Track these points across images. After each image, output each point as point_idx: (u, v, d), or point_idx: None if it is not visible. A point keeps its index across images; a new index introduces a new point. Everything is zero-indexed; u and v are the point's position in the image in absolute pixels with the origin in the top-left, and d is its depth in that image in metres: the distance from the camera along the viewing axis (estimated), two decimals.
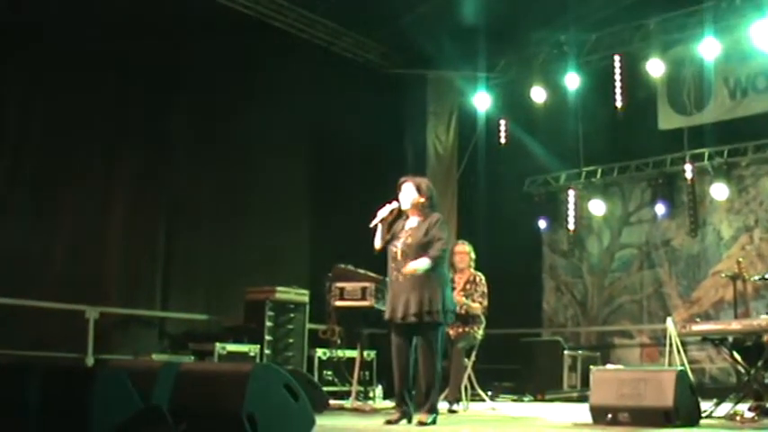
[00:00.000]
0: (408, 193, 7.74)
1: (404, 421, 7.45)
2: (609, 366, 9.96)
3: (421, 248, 7.52)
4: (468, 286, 9.96)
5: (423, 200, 7.73)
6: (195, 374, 5.83)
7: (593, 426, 7.24)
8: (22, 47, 10.34)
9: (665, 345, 11.70)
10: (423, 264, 7.40)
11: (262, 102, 12.86)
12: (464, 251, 10.10)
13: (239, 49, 12.51)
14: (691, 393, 7.38)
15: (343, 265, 10.05)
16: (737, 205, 13.60)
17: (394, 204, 7.75)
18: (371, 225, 7.73)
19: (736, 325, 8.01)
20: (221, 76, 12.38)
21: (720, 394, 8.64)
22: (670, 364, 10.90)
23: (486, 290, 10.03)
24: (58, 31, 10.61)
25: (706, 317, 12.95)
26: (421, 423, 7.26)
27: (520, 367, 13.72)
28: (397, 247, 7.62)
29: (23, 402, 5.18)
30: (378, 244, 7.74)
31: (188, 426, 5.31)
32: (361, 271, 9.86)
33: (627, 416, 7.10)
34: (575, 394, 12.49)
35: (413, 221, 7.73)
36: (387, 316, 7.66)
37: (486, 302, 9.97)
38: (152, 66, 11.71)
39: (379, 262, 8.39)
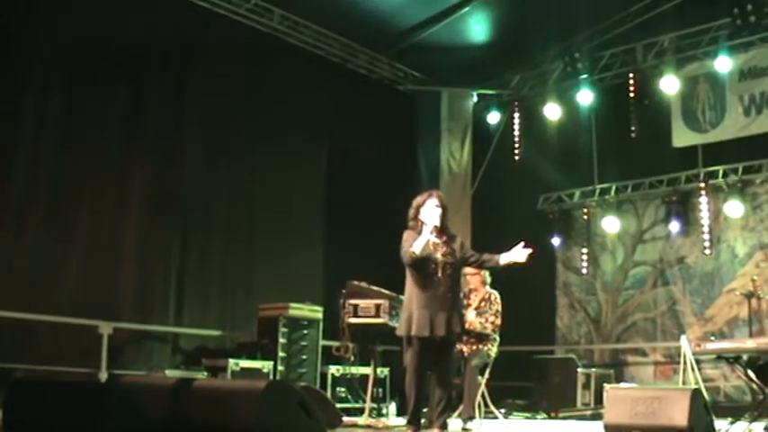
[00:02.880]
0: (436, 210, 7.67)
1: None
2: (623, 384, 9.92)
3: (459, 266, 7.74)
4: (482, 304, 9.93)
5: (444, 216, 7.74)
6: (208, 391, 5.83)
7: None
8: (33, 56, 10.44)
9: (678, 362, 11.65)
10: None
11: (276, 118, 12.92)
12: (476, 270, 10.04)
13: (254, 65, 12.57)
14: (706, 412, 7.35)
15: (356, 282, 10.03)
16: (752, 222, 13.54)
17: (436, 220, 7.67)
18: (429, 229, 7.53)
19: (750, 343, 8.00)
20: (235, 93, 12.44)
21: (735, 413, 8.61)
22: (684, 383, 10.86)
23: (500, 308, 9.98)
24: (71, 41, 10.71)
25: (720, 335, 12.91)
26: None
27: (533, 385, 13.67)
28: (438, 264, 7.57)
29: (36, 417, 5.20)
30: (419, 251, 7.46)
31: None
32: (375, 288, 9.85)
33: None
34: (588, 412, 12.44)
35: (435, 238, 7.65)
36: (418, 331, 7.46)
37: (498, 321, 9.92)
38: (165, 83, 11.80)
39: (392, 279, 8.38)
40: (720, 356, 8.41)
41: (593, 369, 13.64)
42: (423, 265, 7.56)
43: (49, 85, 10.63)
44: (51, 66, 10.64)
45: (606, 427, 7.37)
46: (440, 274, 7.53)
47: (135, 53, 11.38)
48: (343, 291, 9.98)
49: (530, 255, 7.82)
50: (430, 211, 7.66)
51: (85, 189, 10.88)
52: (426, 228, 7.55)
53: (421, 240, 7.50)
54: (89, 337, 10.44)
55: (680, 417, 6.96)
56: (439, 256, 7.57)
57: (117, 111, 11.33)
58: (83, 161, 10.84)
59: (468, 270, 9.47)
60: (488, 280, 10.14)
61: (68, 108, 10.74)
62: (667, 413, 7.03)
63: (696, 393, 7.27)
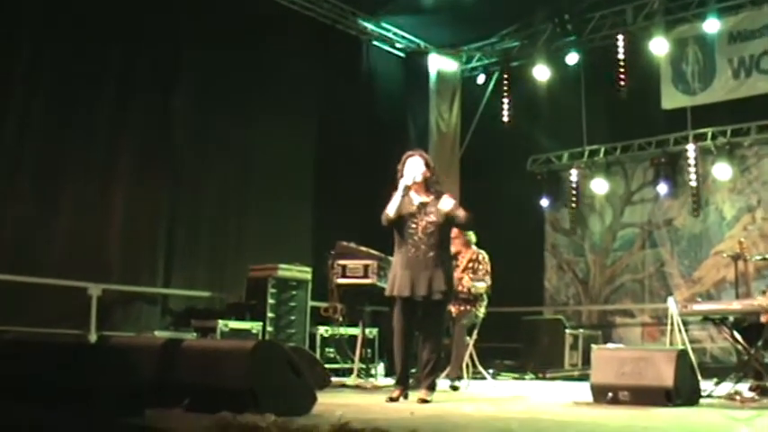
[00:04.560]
0: (417, 168, 7.66)
1: (405, 398, 7.47)
2: (610, 345, 9.97)
3: (443, 226, 7.60)
4: (471, 264, 9.94)
5: (430, 175, 7.72)
6: (198, 351, 5.87)
7: (593, 404, 7.25)
8: (21, 25, 10.37)
9: (666, 324, 11.70)
10: (461, 212, 7.59)
11: (265, 79, 12.85)
12: (458, 233, 9.96)
13: (242, 25, 12.49)
14: (691, 373, 7.42)
15: (345, 243, 10.05)
16: (740, 185, 13.59)
17: (417, 176, 7.66)
18: (401, 189, 7.58)
19: (736, 305, 8.04)
20: (224, 54, 12.37)
21: (721, 373, 8.67)
22: (671, 344, 10.92)
23: (489, 268, 10.01)
24: (62, 6, 10.64)
25: (708, 296, 12.96)
26: (423, 400, 7.28)
27: (521, 345, 13.76)
28: (419, 224, 7.58)
29: (26, 378, 5.21)
30: (393, 213, 7.56)
31: (191, 401, 5.35)
32: (364, 248, 9.87)
33: (627, 395, 7.12)
34: (576, 373, 12.53)
35: (423, 198, 7.67)
36: (399, 291, 7.54)
37: (489, 281, 9.96)
38: (155, 47, 11.72)
39: (380, 239, 8.38)
40: (707, 318, 8.45)
41: (581, 330, 13.73)
42: (404, 225, 7.59)
43: (38, 49, 10.55)
44: (40, 31, 10.54)
45: (593, 387, 7.42)
46: (420, 234, 7.53)
47: (126, 17, 11.29)
48: (332, 252, 10.01)
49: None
50: (409, 168, 7.67)
51: (73, 151, 10.82)
52: (400, 187, 7.56)
53: (394, 202, 7.54)
54: (78, 299, 10.42)
55: (666, 377, 7.03)
56: (421, 215, 7.58)
57: (106, 74, 11.25)
58: (71, 122, 10.79)
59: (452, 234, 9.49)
60: (473, 239, 10.13)
61: (57, 70, 10.68)
62: (653, 374, 7.10)
63: (682, 354, 7.33)
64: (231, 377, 5.34)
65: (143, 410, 4.99)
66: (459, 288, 9.59)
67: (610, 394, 7.20)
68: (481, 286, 9.80)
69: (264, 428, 4.28)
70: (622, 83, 13.84)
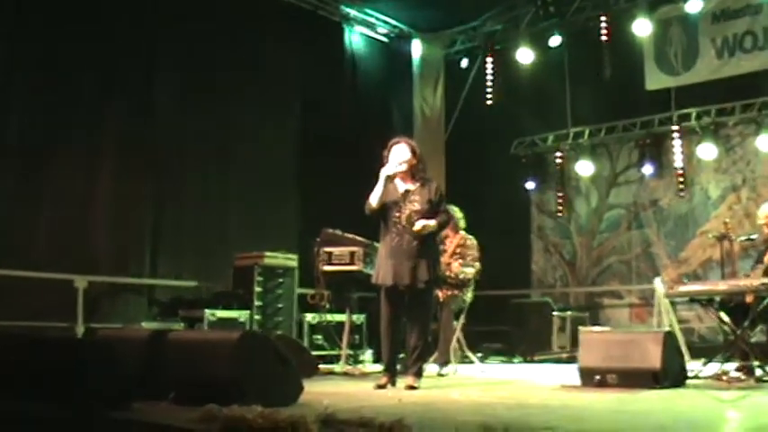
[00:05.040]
0: (402, 155, 7.65)
1: (392, 385, 7.47)
2: (596, 328, 9.99)
3: (428, 214, 7.56)
4: (458, 250, 9.95)
5: (416, 162, 7.70)
6: (183, 343, 5.85)
7: (581, 387, 7.27)
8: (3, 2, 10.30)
9: (653, 305, 11.73)
10: (432, 224, 7.49)
11: (246, 67, 12.81)
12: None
13: (224, 10, 12.44)
14: (678, 354, 7.46)
15: (331, 230, 10.06)
16: (725, 165, 13.62)
17: (401, 164, 7.65)
18: (383, 178, 7.57)
19: (721, 286, 8.04)
20: (207, 42, 12.31)
21: (709, 353, 8.67)
22: (659, 325, 10.94)
23: (477, 253, 10.02)
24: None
25: (694, 276, 13.01)
26: (410, 387, 7.29)
27: (509, 329, 13.76)
28: (402, 212, 7.57)
29: (12, 371, 5.20)
30: (375, 202, 7.59)
31: (177, 394, 5.34)
32: (350, 235, 9.87)
33: (615, 377, 7.14)
34: (564, 355, 12.54)
35: (408, 185, 7.66)
36: (382, 280, 7.57)
37: (478, 266, 9.97)
38: (137, 33, 11.65)
39: (366, 226, 8.38)
40: (693, 299, 8.47)
41: (569, 312, 13.73)
42: (387, 213, 7.59)
43: (18, 40, 10.47)
44: (21, 14, 10.49)
45: (581, 370, 7.44)
46: (404, 222, 7.53)
47: (108, 2, 11.24)
48: (317, 239, 10.00)
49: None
50: (394, 155, 7.67)
51: (56, 142, 10.75)
52: (381, 176, 7.55)
53: (376, 191, 7.56)
54: (65, 291, 10.35)
55: (653, 359, 7.05)
56: (405, 203, 7.56)
57: (88, 63, 11.16)
58: (53, 113, 10.67)
59: None
60: (462, 225, 10.13)
61: (39, 59, 10.58)
62: (640, 356, 7.12)
63: (668, 336, 7.36)
64: (217, 368, 5.34)
65: (130, 403, 4.98)
66: (448, 273, 9.60)
67: (597, 377, 7.22)
68: (470, 271, 9.81)
69: (251, 420, 4.27)
70: (606, 65, 13.83)
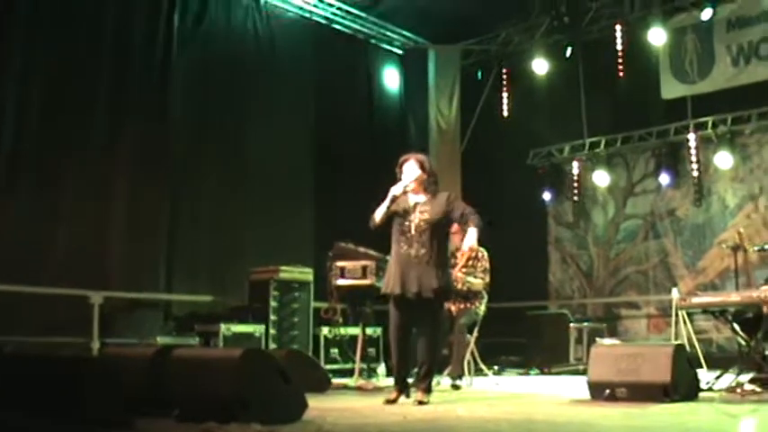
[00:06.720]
0: (412, 171, 7.70)
1: (402, 400, 7.46)
2: (606, 341, 9.90)
3: (438, 224, 7.57)
4: (470, 262, 9.91)
5: (426, 177, 7.72)
6: (187, 360, 5.86)
7: (590, 402, 7.22)
8: (16, 25, 10.38)
9: (671, 315, 11.67)
10: (473, 237, 7.62)
11: (263, 79, 12.89)
12: (457, 229, 9.92)
13: (240, 24, 12.50)
14: (689, 367, 7.37)
15: (343, 243, 10.04)
16: (742, 173, 13.54)
17: (409, 184, 7.67)
18: (390, 196, 7.62)
19: (735, 297, 7.96)
20: (221, 54, 12.38)
21: (727, 364, 8.58)
22: (676, 335, 10.88)
23: (488, 265, 9.97)
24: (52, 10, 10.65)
25: (712, 286, 12.94)
26: (419, 402, 7.26)
27: (526, 341, 13.73)
28: (412, 222, 7.58)
29: (15, 390, 5.22)
30: (378, 219, 7.62)
31: (181, 411, 5.35)
32: (362, 249, 9.84)
33: (625, 391, 7.07)
34: (581, 367, 12.42)
35: (419, 198, 7.69)
36: (392, 290, 7.55)
37: (488, 278, 9.91)
38: (150, 47, 11.72)
39: (381, 239, 8.37)
40: (707, 310, 8.40)
41: (586, 324, 13.68)
42: (398, 224, 7.61)
43: (32, 51, 10.55)
44: (35, 31, 10.57)
45: (590, 384, 7.39)
46: (413, 232, 7.53)
47: (119, 14, 11.33)
48: (330, 253, 10.00)
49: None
50: (405, 172, 7.72)
51: (72, 157, 10.83)
52: (389, 195, 7.59)
53: (381, 208, 7.60)
54: (80, 307, 10.40)
55: (663, 373, 6.98)
56: (415, 213, 7.58)
57: (102, 77, 11.25)
58: (68, 130, 10.77)
59: (451, 230, 9.44)
60: None
61: (53, 75, 10.67)
62: (650, 369, 7.05)
63: (679, 348, 7.28)
64: (220, 386, 5.34)
65: (131, 421, 4.99)
66: (460, 286, 9.57)
67: (607, 391, 7.16)
68: (476, 282, 9.76)
69: None
70: (621, 74, 13.80)
